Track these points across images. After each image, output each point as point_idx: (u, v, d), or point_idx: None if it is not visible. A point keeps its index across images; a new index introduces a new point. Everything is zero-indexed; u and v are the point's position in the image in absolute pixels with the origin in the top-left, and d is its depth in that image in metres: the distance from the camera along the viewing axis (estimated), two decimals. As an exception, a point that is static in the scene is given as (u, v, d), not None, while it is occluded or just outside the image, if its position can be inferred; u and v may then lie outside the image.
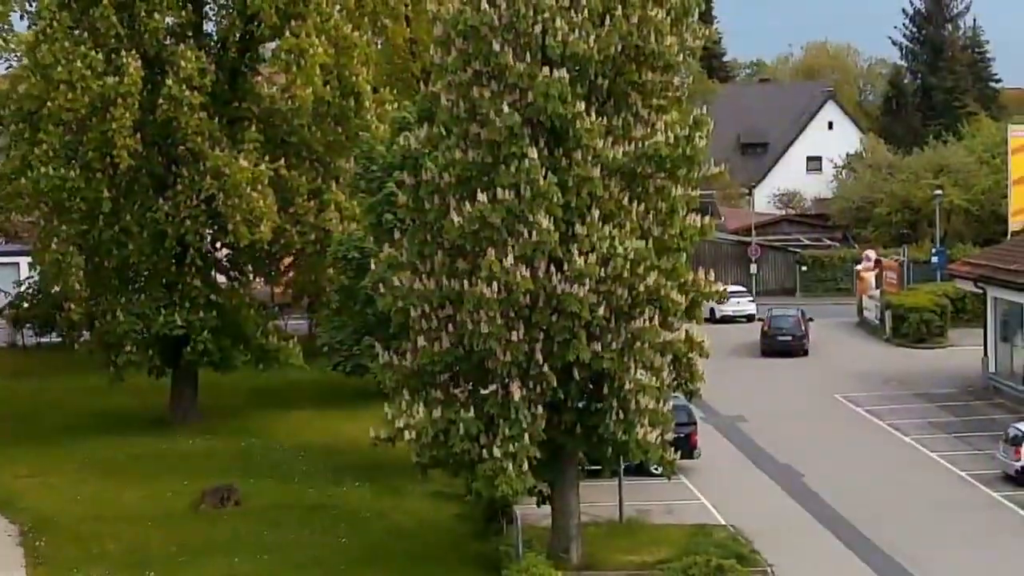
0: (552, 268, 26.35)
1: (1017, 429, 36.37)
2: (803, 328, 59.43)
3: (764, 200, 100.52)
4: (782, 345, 58.55)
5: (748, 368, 54.51)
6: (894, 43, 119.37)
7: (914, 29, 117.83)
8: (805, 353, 58.43)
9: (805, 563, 30.32)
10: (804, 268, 79.01)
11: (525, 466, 26.54)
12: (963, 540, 31.70)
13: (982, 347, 49.31)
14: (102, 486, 37.15)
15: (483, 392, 27.11)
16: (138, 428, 43.38)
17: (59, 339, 51.26)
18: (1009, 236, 57.92)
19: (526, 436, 26.46)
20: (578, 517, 29.72)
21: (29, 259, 52.53)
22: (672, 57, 26.88)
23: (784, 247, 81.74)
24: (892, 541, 31.36)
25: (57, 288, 44.36)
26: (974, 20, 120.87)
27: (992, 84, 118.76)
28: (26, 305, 55.64)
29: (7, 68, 46.85)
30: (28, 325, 57.40)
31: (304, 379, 48.07)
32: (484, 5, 26.02)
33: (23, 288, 56.17)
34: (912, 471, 38.13)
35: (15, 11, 44.04)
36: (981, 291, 49.55)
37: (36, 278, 52.55)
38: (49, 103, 40.37)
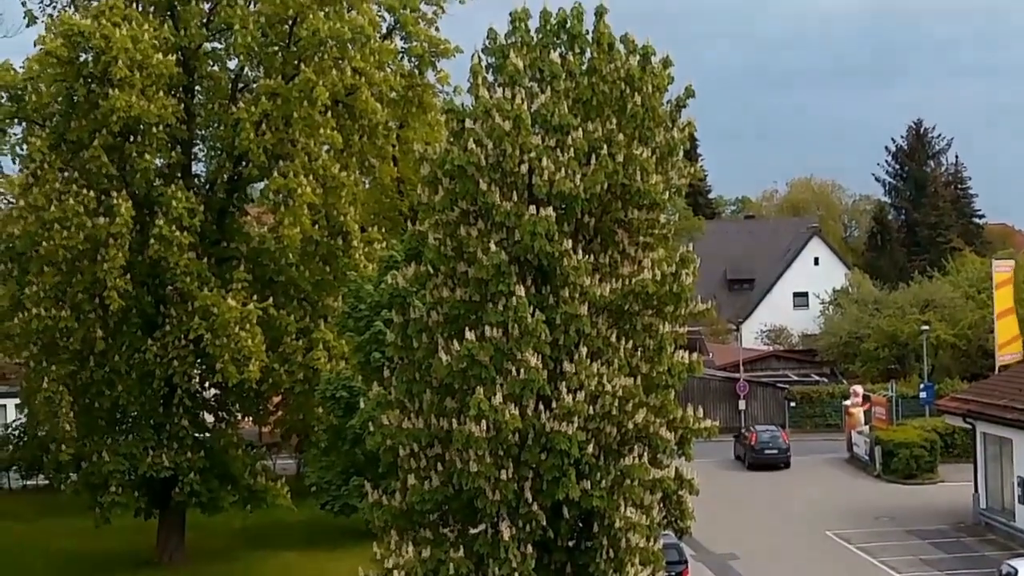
0: (541, 406, 26.25)
1: (1010, 566, 36.11)
2: (787, 443, 64.64)
3: (751, 336, 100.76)
4: (769, 458, 63.69)
5: (737, 487, 54.35)
6: (877, 180, 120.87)
7: (897, 166, 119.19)
8: (787, 466, 63.17)
9: None
10: (793, 404, 78.97)
11: (515, 606, 26.24)
12: None
13: (972, 482, 49.16)
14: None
15: (472, 532, 26.87)
16: (125, 570, 42.99)
17: (45, 481, 50.96)
18: (997, 371, 58.02)
19: (516, 576, 26.22)
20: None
21: (16, 401, 52.38)
22: (658, 195, 27.03)
23: (772, 383, 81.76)
24: None
25: (44, 430, 44.21)
26: (956, 157, 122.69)
27: (975, 220, 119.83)
28: (11, 448, 55.39)
29: (-1, 210, 47.17)
30: (14, 467, 57.09)
31: (292, 519, 47.76)
32: (471, 145, 26.21)
33: (10, 431, 55.94)
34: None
35: (6, 154, 44.42)
36: (970, 426, 49.49)
37: (23, 420, 52.36)
38: (44, 243, 40.55)
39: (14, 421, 56.09)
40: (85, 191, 40.65)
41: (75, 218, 40.20)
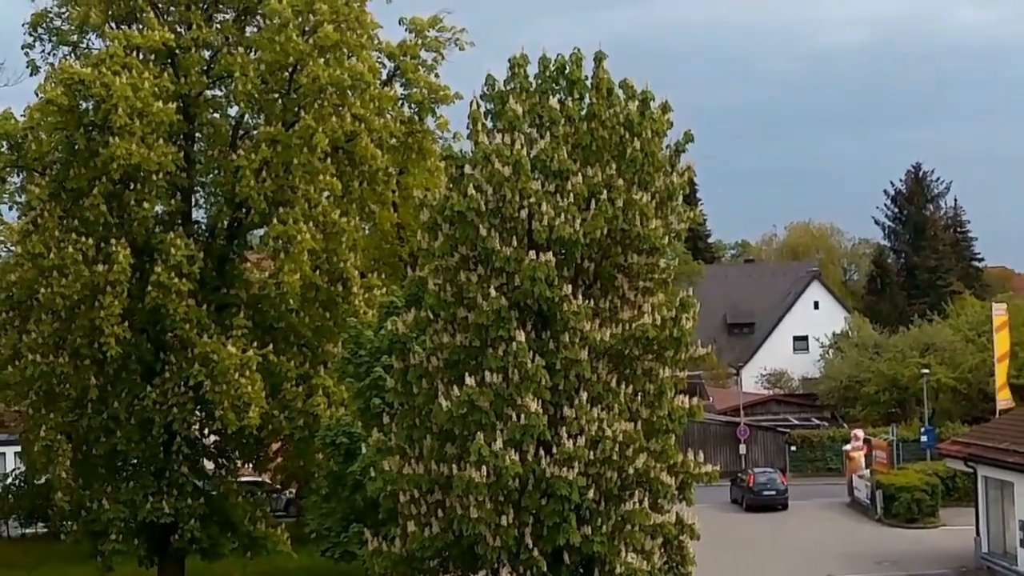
0: (541, 451, 26.24)
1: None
2: (784, 484, 64.92)
3: (752, 380, 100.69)
4: (767, 500, 63.91)
5: (736, 530, 54.19)
6: (877, 223, 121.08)
7: (896, 209, 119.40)
8: (785, 507, 63.29)
9: None
10: (793, 448, 78.83)
11: (517, 653, 26.15)
12: None
13: (974, 526, 49.01)
14: None
15: (473, 577, 26.84)
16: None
17: (45, 529, 50.82)
18: (997, 414, 57.95)
19: (517, 622, 26.13)
20: None
21: (16, 449, 52.30)
22: (658, 240, 27.10)
23: (773, 427, 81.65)
24: None
25: (43, 478, 44.12)
26: (955, 200, 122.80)
27: (975, 263, 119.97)
28: (10, 496, 55.24)
29: (-2, 258, 47.24)
30: (13, 516, 56.94)
31: (292, 566, 47.56)
32: (471, 191, 26.29)
33: (9, 479, 55.83)
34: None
35: (5, 202, 44.53)
36: (971, 470, 49.37)
37: (22, 468, 52.28)
38: (42, 290, 40.61)
39: (13, 469, 55.98)
40: (84, 239, 40.73)
41: (73, 266, 40.27)
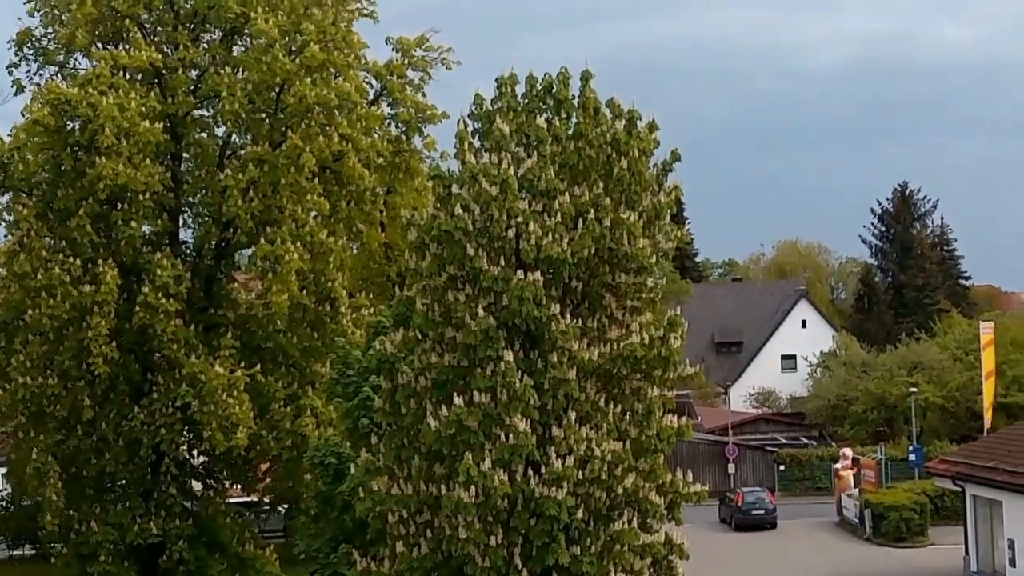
0: (530, 471, 26.17)
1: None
2: (773, 503, 65.09)
3: (740, 399, 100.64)
4: (756, 519, 63.92)
5: (724, 549, 54.12)
6: (864, 241, 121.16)
7: (883, 228, 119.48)
8: (774, 526, 63.31)
9: None
10: (782, 467, 78.76)
11: (506, 674, 26.05)
12: None
13: (963, 545, 48.97)
14: None
15: (462, 598, 26.73)
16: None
17: (33, 551, 50.60)
18: (985, 432, 57.96)
19: (506, 643, 26.03)
20: None
21: (3, 470, 52.12)
22: (645, 259, 27.07)
23: (762, 446, 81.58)
24: None
25: (31, 499, 43.95)
26: (941, 218, 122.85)
27: (962, 281, 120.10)
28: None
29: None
30: (0, 537, 56.68)
31: (280, 587, 47.38)
32: (458, 210, 26.25)
33: (-4, 500, 55.64)
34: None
35: (-8, 223, 44.44)
36: (960, 489, 49.36)
37: (9, 489, 52.08)
38: (30, 311, 40.51)
39: (1, 490, 55.75)
40: (71, 259, 40.67)
41: (60, 287, 40.22)
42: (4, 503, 54.56)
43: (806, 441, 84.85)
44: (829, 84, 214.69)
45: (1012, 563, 44.81)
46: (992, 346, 61.99)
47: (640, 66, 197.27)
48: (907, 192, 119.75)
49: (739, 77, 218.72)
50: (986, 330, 62.54)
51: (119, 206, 41.57)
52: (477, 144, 27.12)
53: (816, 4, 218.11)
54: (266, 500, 49.50)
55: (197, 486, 45.39)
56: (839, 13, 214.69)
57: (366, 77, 47.65)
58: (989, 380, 60.95)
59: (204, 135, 45.61)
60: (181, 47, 43.60)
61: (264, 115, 43.59)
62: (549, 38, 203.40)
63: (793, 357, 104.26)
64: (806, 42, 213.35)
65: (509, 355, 25.91)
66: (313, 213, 43.12)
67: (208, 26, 44.80)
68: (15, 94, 44.65)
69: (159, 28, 44.92)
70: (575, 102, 27.56)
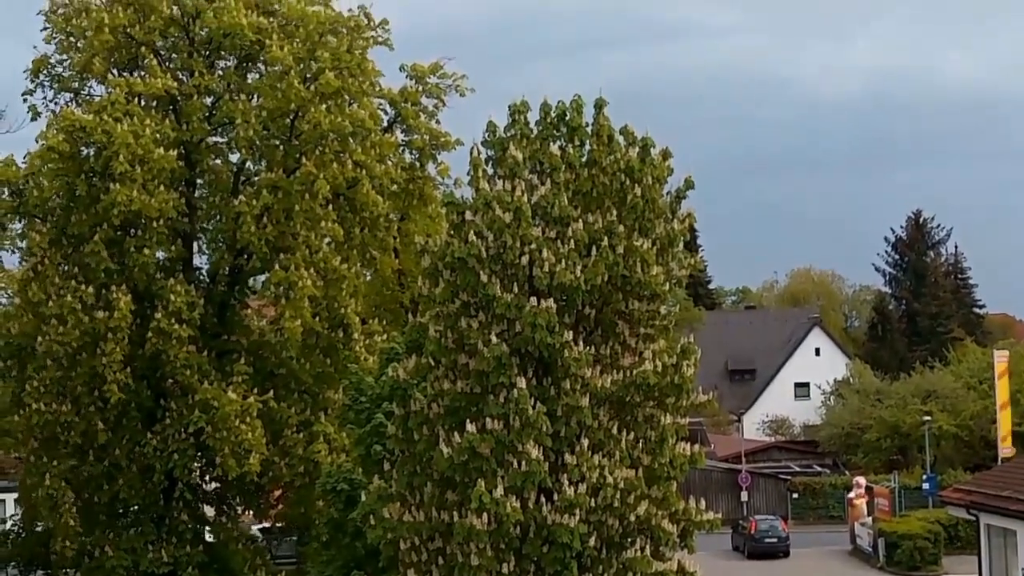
0: (542, 498, 26.13)
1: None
2: (786, 532, 65.48)
3: (753, 427, 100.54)
4: (769, 547, 64.26)
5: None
6: (877, 270, 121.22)
7: (897, 256, 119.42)
8: (787, 555, 63.70)
9: None
10: (795, 495, 78.60)
11: None
12: None
13: (976, 574, 48.76)
14: None
15: (474, 626, 26.65)
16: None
17: (45, 577, 50.52)
18: (1000, 461, 57.79)
19: (518, 671, 25.96)
20: None
21: (15, 495, 52.10)
22: (659, 286, 27.06)
23: (775, 474, 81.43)
24: None
25: (43, 526, 43.93)
26: (955, 247, 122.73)
27: (976, 310, 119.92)
28: (10, 544, 54.96)
29: (-1, 305, 47.26)
30: (12, 563, 56.62)
31: (292, 614, 47.27)
32: (471, 237, 26.28)
33: (8, 526, 55.57)
34: None
35: (6, 249, 44.58)
36: (974, 518, 49.16)
37: (20, 515, 52.06)
38: (41, 338, 40.60)
39: (12, 515, 55.71)
40: (83, 287, 40.73)
41: (72, 315, 40.27)
42: (16, 529, 54.54)
43: (819, 469, 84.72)
44: (842, 113, 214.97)
45: (1026, 592, 44.62)
46: (1007, 375, 61.84)
47: (653, 94, 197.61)
48: (921, 220, 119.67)
49: (752, 105, 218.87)
50: (1000, 359, 62.40)
51: (133, 232, 41.64)
52: (491, 171, 27.16)
53: (828, 34, 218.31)
54: (278, 526, 49.44)
55: (210, 512, 45.33)
56: (850, 44, 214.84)
57: (380, 104, 47.71)
58: (1004, 410, 60.78)
59: (219, 161, 45.69)
60: (196, 74, 43.70)
61: (278, 142, 43.67)
62: (558, 66, 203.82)
63: (806, 385, 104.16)
64: (818, 70, 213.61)
65: (522, 382, 25.90)
66: (327, 240, 43.15)
67: (223, 53, 44.89)
68: (31, 120, 44.75)
69: (174, 55, 45.03)
70: (589, 129, 27.60)
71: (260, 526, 51.60)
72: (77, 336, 40.34)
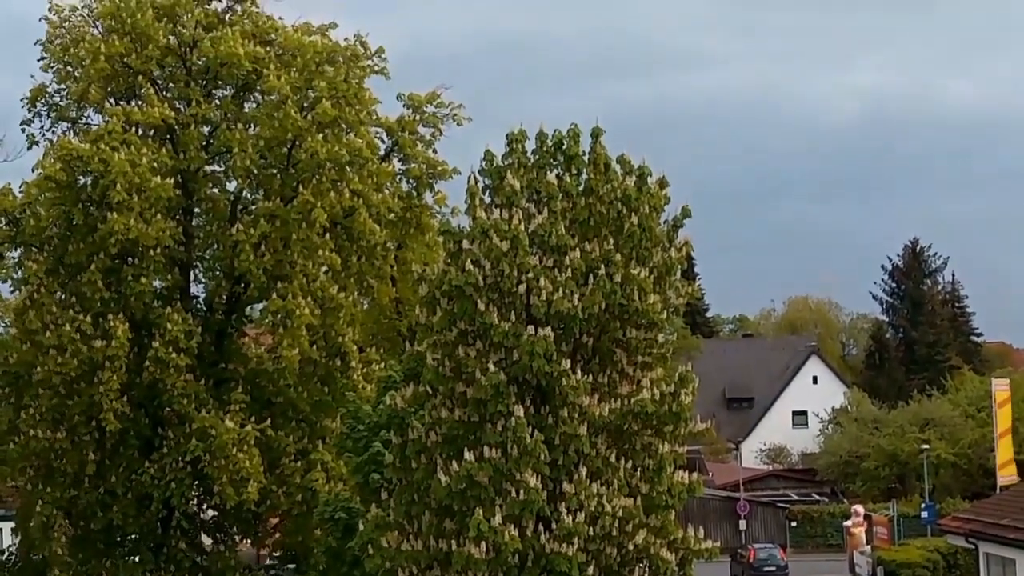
0: (540, 527, 26.09)
1: None
2: (784, 560, 65.47)
3: (751, 455, 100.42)
4: (767, 575, 64.70)
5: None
6: (875, 298, 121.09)
7: (894, 284, 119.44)
8: None
9: None
10: (794, 524, 78.46)
11: None
12: None
13: (976, 602, 48.67)
14: None
15: (472, 656, 26.57)
16: None
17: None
18: (998, 490, 57.68)
19: None
20: None
21: (11, 524, 51.97)
22: (656, 315, 27.06)
23: (773, 503, 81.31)
24: None
25: (40, 555, 43.82)
26: (952, 275, 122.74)
27: (973, 338, 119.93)
28: (7, 573, 54.80)
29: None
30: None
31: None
32: (469, 266, 26.30)
33: (4, 556, 55.42)
34: None
35: (2, 279, 44.56)
36: (973, 546, 49.05)
37: (16, 544, 51.95)
38: (38, 367, 40.57)
39: (9, 545, 55.56)
40: (81, 316, 40.74)
41: (70, 344, 40.25)
42: (13, 557, 54.39)
43: (818, 498, 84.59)
44: (838, 139, 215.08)
45: (1026, 621, 44.50)
46: (1008, 404, 61.76)
47: (649, 121, 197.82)
48: (918, 248, 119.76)
49: (750, 133, 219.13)
50: (1000, 387, 62.34)
51: (130, 261, 41.66)
52: (488, 200, 27.18)
53: (827, 60, 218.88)
54: (276, 555, 49.33)
55: (207, 541, 45.23)
56: (849, 70, 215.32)
57: (377, 133, 47.80)
58: (1003, 438, 60.67)
59: (216, 190, 45.74)
60: (193, 103, 43.78)
61: (276, 171, 43.73)
62: (558, 94, 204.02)
63: (804, 413, 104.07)
64: (816, 97, 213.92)
65: (520, 410, 25.87)
66: (324, 268, 43.17)
67: (220, 82, 45.00)
68: (28, 148, 44.82)
69: (171, 84, 45.13)
70: (585, 158, 27.64)
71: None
72: (75, 365, 40.33)
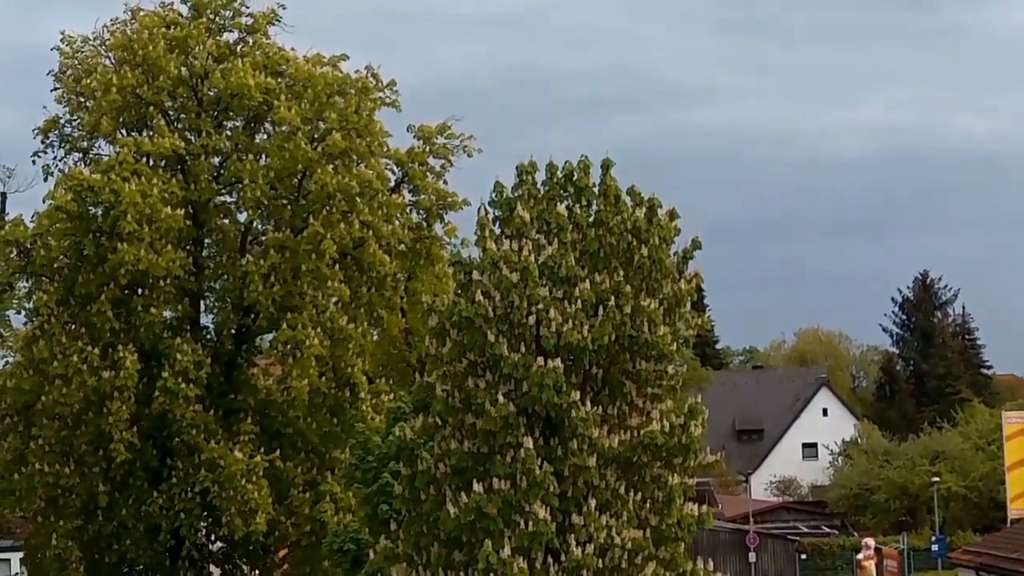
0: (550, 559, 26.00)
1: None
2: None
3: (761, 487, 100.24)
4: None
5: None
6: (885, 330, 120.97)
7: (904, 316, 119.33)
8: None
9: None
10: (804, 556, 78.21)
11: None
12: None
13: (988, 636, 48.48)
14: None
15: None
16: None
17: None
18: (1009, 523, 57.53)
19: None
20: None
21: (20, 555, 51.95)
22: (666, 346, 27.01)
23: (783, 535, 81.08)
24: None
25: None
26: (963, 307, 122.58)
27: (983, 370, 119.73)
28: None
29: (4, 364, 47.29)
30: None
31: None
32: (479, 297, 26.28)
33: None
34: None
35: (13, 308, 44.62)
36: (984, 579, 48.94)
37: (26, 574, 51.91)
38: (43, 397, 40.60)
39: (15, 573, 55.56)
40: (89, 347, 40.77)
41: (76, 376, 40.28)
42: (21, 589, 54.40)
43: (828, 530, 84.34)
44: (847, 173, 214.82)
45: (1037, 655, 44.34)
46: (1018, 437, 61.60)
47: (659, 155, 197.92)
48: (928, 281, 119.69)
49: (760, 166, 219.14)
50: (1010, 420, 62.23)
51: (140, 291, 41.74)
52: (498, 231, 27.18)
53: (834, 96, 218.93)
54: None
55: (216, 572, 45.17)
56: (857, 106, 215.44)
57: (388, 164, 47.90)
58: (1014, 471, 60.51)
59: (226, 221, 45.82)
60: (204, 134, 43.90)
61: (286, 202, 43.82)
62: (568, 126, 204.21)
63: (814, 445, 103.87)
64: (823, 131, 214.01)
65: (529, 442, 25.82)
66: (334, 299, 43.21)
67: (231, 113, 45.14)
68: (44, 179, 44.99)
69: (183, 115, 45.26)
70: (596, 190, 27.65)
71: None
72: (80, 398, 40.39)
